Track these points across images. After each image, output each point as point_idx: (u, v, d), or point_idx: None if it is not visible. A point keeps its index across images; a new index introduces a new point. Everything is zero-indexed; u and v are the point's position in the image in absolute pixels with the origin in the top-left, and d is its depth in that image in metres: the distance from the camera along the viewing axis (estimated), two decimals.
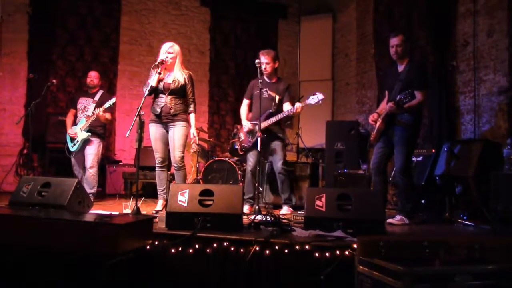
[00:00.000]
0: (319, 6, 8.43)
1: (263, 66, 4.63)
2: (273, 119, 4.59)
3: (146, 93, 4.17)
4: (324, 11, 8.36)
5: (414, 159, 5.12)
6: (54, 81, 5.82)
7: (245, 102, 4.96)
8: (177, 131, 4.30)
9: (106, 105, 5.15)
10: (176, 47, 4.35)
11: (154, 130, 4.38)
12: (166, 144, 4.40)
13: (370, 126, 4.36)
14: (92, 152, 5.31)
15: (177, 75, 4.31)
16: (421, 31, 5.82)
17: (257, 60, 4.45)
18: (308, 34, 8.38)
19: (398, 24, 6.31)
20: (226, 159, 5.88)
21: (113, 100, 5.18)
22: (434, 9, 5.58)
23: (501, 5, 4.79)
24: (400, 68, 4.19)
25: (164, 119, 4.33)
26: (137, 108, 3.89)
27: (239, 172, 5.68)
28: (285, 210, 4.67)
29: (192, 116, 4.41)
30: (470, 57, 5.19)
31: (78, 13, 7.35)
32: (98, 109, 5.21)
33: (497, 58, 4.83)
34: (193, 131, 4.38)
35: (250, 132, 4.79)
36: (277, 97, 4.70)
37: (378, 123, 4.16)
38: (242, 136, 4.91)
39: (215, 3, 8.20)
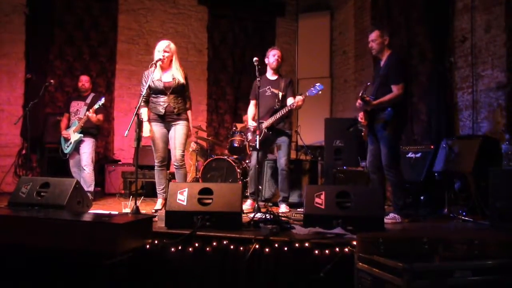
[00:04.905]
0: (316, 4, 8.42)
1: (273, 59, 4.74)
2: (277, 115, 4.64)
3: (143, 92, 4.16)
4: (322, 9, 8.36)
5: (412, 155, 5.12)
6: (52, 81, 5.84)
7: (252, 103, 4.96)
8: (178, 129, 4.31)
9: (96, 106, 5.26)
10: (172, 46, 4.32)
11: (155, 130, 4.36)
12: (166, 143, 4.40)
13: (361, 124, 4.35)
14: (87, 151, 5.38)
15: (176, 74, 4.29)
16: (419, 28, 5.81)
17: (255, 58, 4.44)
18: (306, 32, 8.37)
19: (395, 20, 6.29)
20: (225, 157, 5.88)
21: (102, 100, 5.30)
22: (432, 5, 5.58)
23: (498, 0, 4.78)
24: (382, 62, 4.17)
25: (168, 118, 4.32)
26: (136, 107, 3.89)
27: (238, 170, 5.68)
28: (284, 208, 4.67)
29: (189, 113, 4.47)
30: (468, 53, 5.19)
31: (75, 12, 7.33)
32: (89, 111, 5.29)
33: (495, 53, 4.83)
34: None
35: (255, 131, 4.81)
36: (280, 94, 4.75)
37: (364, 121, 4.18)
38: (250, 136, 4.92)
39: (213, 1, 8.18)
